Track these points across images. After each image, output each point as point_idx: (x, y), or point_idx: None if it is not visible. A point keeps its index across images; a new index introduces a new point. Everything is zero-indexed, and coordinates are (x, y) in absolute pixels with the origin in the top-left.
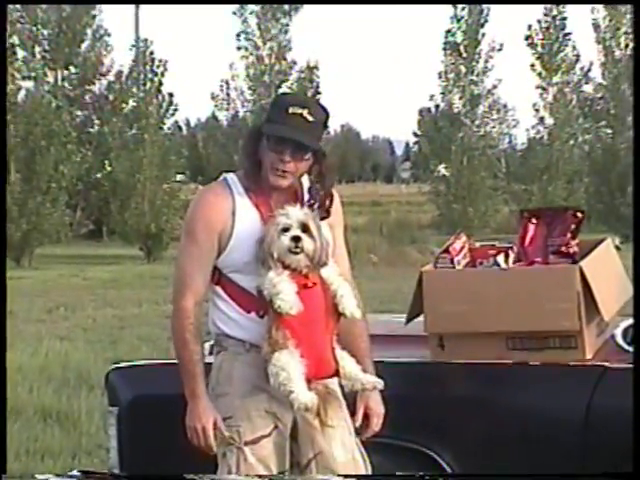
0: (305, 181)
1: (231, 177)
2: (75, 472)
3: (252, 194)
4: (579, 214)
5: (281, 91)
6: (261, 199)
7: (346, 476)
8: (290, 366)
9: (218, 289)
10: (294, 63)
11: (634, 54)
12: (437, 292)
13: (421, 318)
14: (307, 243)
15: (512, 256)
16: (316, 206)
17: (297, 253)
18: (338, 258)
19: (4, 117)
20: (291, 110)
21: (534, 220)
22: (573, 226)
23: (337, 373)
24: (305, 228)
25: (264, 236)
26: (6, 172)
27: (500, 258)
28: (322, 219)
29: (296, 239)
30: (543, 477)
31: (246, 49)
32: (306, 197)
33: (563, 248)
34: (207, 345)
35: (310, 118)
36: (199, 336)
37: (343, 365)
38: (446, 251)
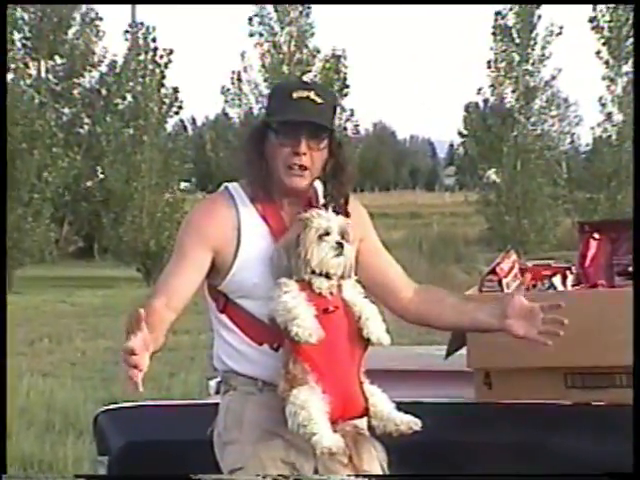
0: (319, 187)
1: (233, 186)
2: (68, 475)
3: (259, 205)
4: None
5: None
6: (270, 210)
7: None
8: (310, 404)
9: (224, 318)
10: (317, 51)
11: (634, 54)
12: None
13: (464, 351)
14: (347, 251)
15: (571, 277)
16: (332, 207)
17: (339, 255)
18: (390, 270)
19: (4, 118)
20: (295, 95)
21: (597, 235)
22: None
23: (367, 412)
24: (344, 234)
25: (296, 241)
26: (6, 178)
27: (556, 280)
28: None
29: (340, 245)
30: (543, 477)
31: (261, 35)
32: (321, 200)
33: (631, 268)
34: (213, 383)
35: (318, 100)
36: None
37: (373, 402)
38: (493, 272)
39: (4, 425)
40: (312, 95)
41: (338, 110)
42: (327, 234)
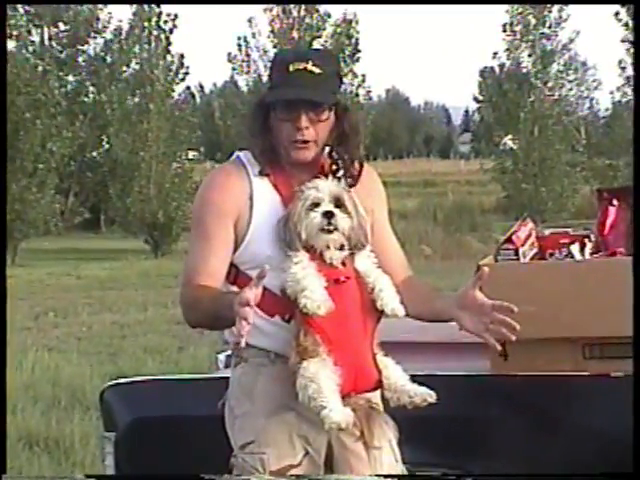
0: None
1: (245, 155)
2: (79, 475)
3: (271, 174)
4: None
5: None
6: (281, 180)
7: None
8: (321, 377)
9: (235, 289)
10: (328, 16)
11: (634, 54)
12: (498, 290)
13: None
14: (342, 220)
15: (589, 245)
16: (341, 174)
17: (330, 232)
18: (388, 250)
19: (4, 112)
20: (292, 67)
21: (616, 202)
22: None
23: (380, 384)
24: (339, 203)
25: (289, 214)
26: (6, 167)
27: (575, 248)
28: (350, 186)
29: (329, 215)
30: (543, 477)
31: None
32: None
33: None
34: (222, 356)
35: (316, 70)
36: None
37: (387, 374)
38: (509, 240)
39: (4, 426)
40: (309, 66)
41: (350, 76)
42: (317, 205)
